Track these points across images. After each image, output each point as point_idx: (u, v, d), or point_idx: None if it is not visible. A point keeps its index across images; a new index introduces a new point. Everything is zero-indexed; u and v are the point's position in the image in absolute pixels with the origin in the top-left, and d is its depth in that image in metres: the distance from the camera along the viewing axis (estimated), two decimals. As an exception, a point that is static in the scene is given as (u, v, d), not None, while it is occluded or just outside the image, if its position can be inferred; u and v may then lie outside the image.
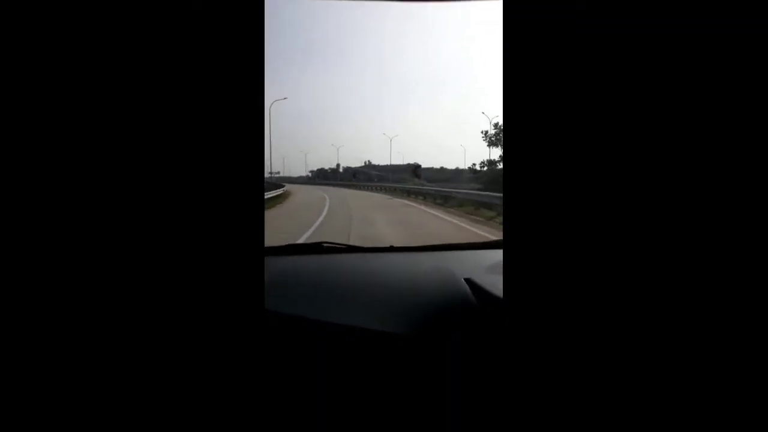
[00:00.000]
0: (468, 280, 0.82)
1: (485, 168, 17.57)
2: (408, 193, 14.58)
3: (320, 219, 7.34)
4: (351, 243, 1.42)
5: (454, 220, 7.18)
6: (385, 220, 7.19)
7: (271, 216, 7.48)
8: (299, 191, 17.37)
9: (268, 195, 9.78)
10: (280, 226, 6.09)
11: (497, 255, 0.79)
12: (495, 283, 0.71)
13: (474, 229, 5.92)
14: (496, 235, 4.68)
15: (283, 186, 15.10)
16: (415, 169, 19.82)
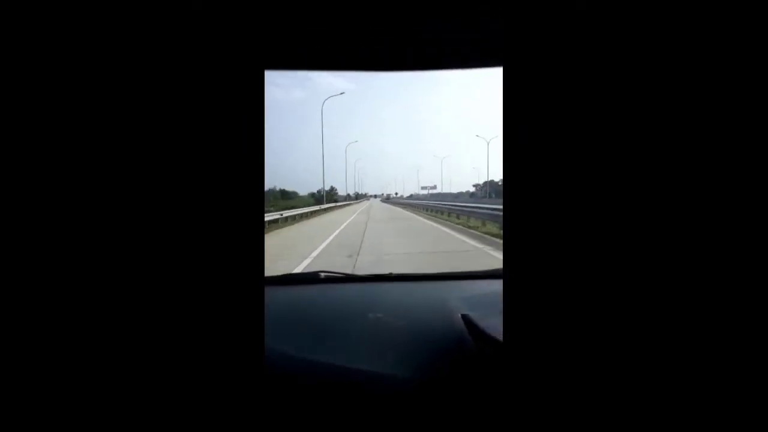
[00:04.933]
0: (465, 317, 0.80)
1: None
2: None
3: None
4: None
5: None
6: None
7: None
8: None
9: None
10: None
11: (497, 285, 0.72)
12: (491, 321, 0.69)
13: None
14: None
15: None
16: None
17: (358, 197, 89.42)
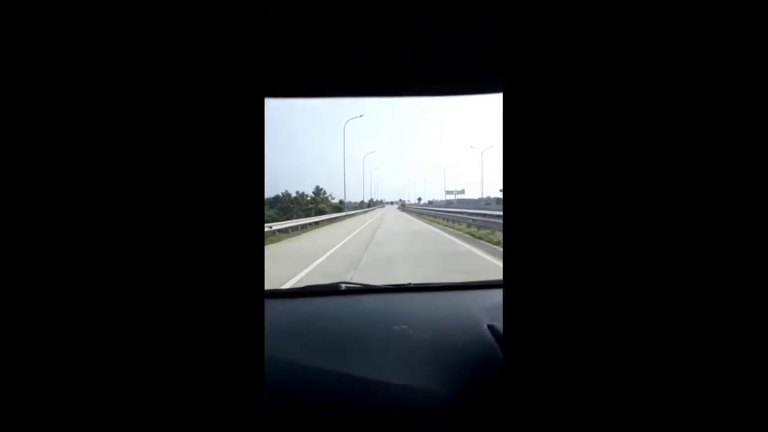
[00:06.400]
0: (491, 328, 0.80)
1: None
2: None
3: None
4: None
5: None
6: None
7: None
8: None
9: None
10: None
11: None
12: None
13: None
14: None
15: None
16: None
17: (372, 204, 75.52)
